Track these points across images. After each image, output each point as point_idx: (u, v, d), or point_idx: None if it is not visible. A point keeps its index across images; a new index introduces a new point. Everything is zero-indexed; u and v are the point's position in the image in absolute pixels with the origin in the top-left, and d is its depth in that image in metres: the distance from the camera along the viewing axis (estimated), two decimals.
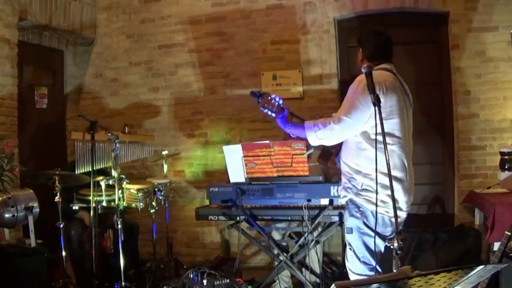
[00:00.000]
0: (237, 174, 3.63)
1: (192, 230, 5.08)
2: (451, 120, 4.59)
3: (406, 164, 2.63)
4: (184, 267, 4.23)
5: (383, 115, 2.47)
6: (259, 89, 4.89)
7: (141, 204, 3.88)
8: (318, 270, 3.80)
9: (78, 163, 3.81)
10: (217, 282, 3.32)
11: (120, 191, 3.67)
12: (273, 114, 2.77)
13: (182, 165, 5.14)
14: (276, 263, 3.67)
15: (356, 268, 2.62)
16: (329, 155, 2.86)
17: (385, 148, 2.10)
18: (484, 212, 3.64)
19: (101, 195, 3.73)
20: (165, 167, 4.42)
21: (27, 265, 3.32)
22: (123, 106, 5.32)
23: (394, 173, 2.55)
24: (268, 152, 3.43)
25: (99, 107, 5.37)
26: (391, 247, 1.99)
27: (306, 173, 3.39)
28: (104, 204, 3.76)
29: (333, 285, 1.37)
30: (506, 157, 3.88)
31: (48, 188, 3.63)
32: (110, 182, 3.68)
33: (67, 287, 3.56)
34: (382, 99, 2.47)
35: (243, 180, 3.57)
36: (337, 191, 3.24)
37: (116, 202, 3.61)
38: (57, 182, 3.58)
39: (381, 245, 2.56)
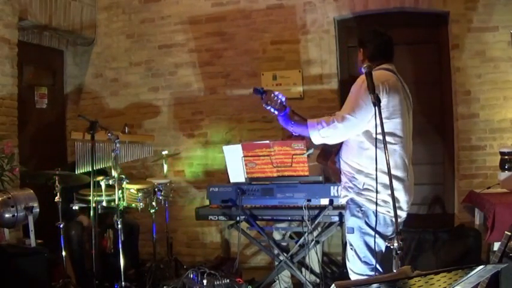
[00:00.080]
0: (237, 174, 3.63)
1: (192, 230, 5.08)
2: (451, 120, 4.59)
3: (407, 164, 2.64)
4: (184, 267, 4.23)
5: (386, 114, 2.52)
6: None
7: (141, 204, 3.88)
8: (317, 270, 3.80)
9: (78, 163, 3.81)
10: (217, 282, 3.32)
11: (120, 191, 3.68)
12: (276, 112, 2.74)
13: (182, 165, 5.14)
14: (276, 263, 3.67)
15: (357, 268, 2.62)
16: (329, 155, 2.85)
17: (385, 148, 2.10)
18: (484, 212, 3.64)
19: (101, 195, 3.73)
20: (165, 167, 4.42)
21: (27, 265, 3.32)
22: (123, 106, 5.32)
23: (395, 172, 2.56)
24: (268, 152, 3.43)
25: (99, 107, 5.37)
26: (391, 247, 1.99)
27: (306, 173, 3.39)
28: (104, 204, 3.76)
29: (333, 285, 1.37)
30: (506, 157, 3.88)
31: (48, 188, 3.63)
32: (110, 182, 3.68)
33: (67, 287, 3.57)
34: (385, 99, 2.51)
35: (243, 180, 3.57)
36: (337, 191, 3.24)
37: (116, 202, 3.61)
38: (57, 182, 3.57)
39: (382, 244, 2.56)
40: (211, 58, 5.07)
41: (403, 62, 4.35)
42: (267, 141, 3.48)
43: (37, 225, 3.63)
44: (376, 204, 2.44)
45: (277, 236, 4.03)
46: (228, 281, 3.35)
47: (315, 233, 3.57)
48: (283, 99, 2.73)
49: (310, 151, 3.29)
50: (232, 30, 5.00)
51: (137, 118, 5.23)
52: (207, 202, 3.96)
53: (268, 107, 2.72)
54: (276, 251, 3.65)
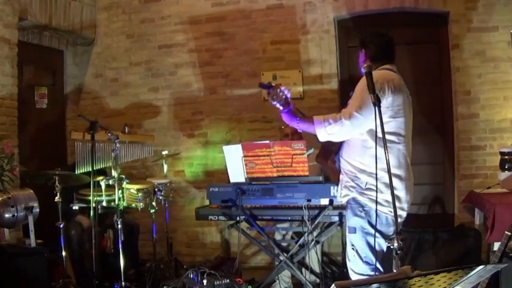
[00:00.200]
0: (237, 174, 3.63)
1: (192, 230, 5.08)
2: (451, 120, 4.59)
3: (409, 163, 2.65)
4: (184, 267, 4.23)
5: (391, 113, 2.54)
6: (259, 89, 4.89)
7: (141, 204, 3.88)
8: (317, 270, 3.81)
9: (78, 163, 3.81)
10: (217, 282, 3.32)
11: (120, 191, 3.67)
12: (281, 108, 2.72)
13: (182, 165, 5.14)
14: (276, 263, 3.67)
15: (358, 268, 2.61)
16: (329, 154, 2.84)
17: (385, 148, 2.10)
18: (484, 212, 3.64)
19: (101, 195, 3.73)
20: (165, 167, 4.42)
21: (27, 265, 3.32)
22: (123, 106, 5.32)
23: (399, 172, 2.57)
24: (268, 152, 3.43)
25: (99, 107, 5.37)
26: (391, 247, 1.99)
27: (306, 173, 3.39)
28: (104, 204, 3.76)
29: (333, 285, 1.37)
30: (506, 157, 3.88)
31: (48, 188, 3.63)
32: (110, 182, 3.68)
33: (67, 287, 3.57)
34: (390, 98, 2.52)
35: (243, 180, 3.57)
36: (337, 191, 3.24)
37: (116, 202, 3.61)
38: (57, 182, 3.57)
39: (384, 244, 2.55)
40: (211, 58, 5.07)
41: (403, 62, 4.35)
42: (267, 141, 3.48)
43: (37, 225, 3.63)
44: (376, 203, 2.44)
45: (277, 236, 4.03)
46: (228, 281, 3.35)
47: (315, 233, 3.57)
48: (289, 95, 2.72)
49: (310, 151, 3.29)
50: (232, 30, 5.00)
51: (137, 118, 5.23)
52: (207, 202, 3.95)
53: (274, 102, 2.70)
54: (276, 251, 3.65)
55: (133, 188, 3.90)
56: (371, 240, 2.55)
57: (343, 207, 3.32)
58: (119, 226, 3.53)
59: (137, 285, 3.90)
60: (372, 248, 2.56)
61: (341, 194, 2.75)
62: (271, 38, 4.90)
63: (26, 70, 4.77)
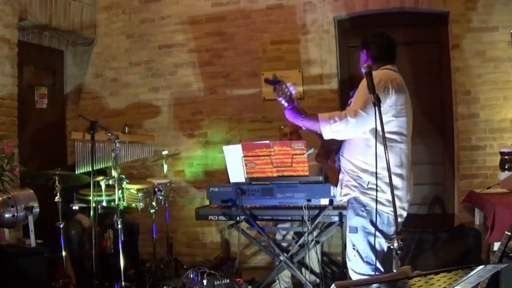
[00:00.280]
0: (237, 174, 3.63)
1: (192, 230, 5.08)
2: (451, 120, 4.59)
3: (410, 163, 2.66)
4: (184, 267, 4.23)
5: (394, 112, 2.55)
6: (259, 89, 4.90)
7: (141, 204, 3.88)
8: (317, 270, 3.81)
9: (78, 163, 3.81)
10: (217, 282, 3.32)
11: (120, 191, 3.67)
12: (285, 104, 2.70)
13: (182, 165, 5.14)
14: (276, 263, 3.67)
15: (359, 268, 2.60)
16: (329, 153, 2.83)
17: (385, 147, 2.10)
18: (484, 212, 3.64)
19: (101, 195, 3.73)
20: (165, 167, 4.42)
21: (27, 265, 3.32)
22: (123, 106, 5.32)
23: (401, 171, 2.58)
24: (268, 152, 3.43)
25: (99, 107, 5.37)
26: (391, 247, 1.99)
27: (306, 173, 3.39)
28: (104, 204, 3.76)
29: (333, 285, 1.37)
30: (506, 157, 3.88)
31: (48, 188, 3.63)
32: (110, 182, 3.68)
33: (67, 287, 3.57)
34: (393, 97, 2.53)
35: (243, 180, 3.57)
36: (337, 189, 3.23)
37: (116, 202, 3.61)
38: (57, 182, 3.57)
39: (385, 244, 2.55)
40: (211, 58, 5.07)
41: (403, 62, 4.35)
42: (267, 141, 3.48)
43: (37, 225, 3.63)
44: (376, 202, 2.45)
45: (277, 236, 4.03)
46: (228, 281, 3.35)
47: (315, 233, 3.57)
48: (294, 92, 2.69)
49: (310, 151, 3.29)
50: (232, 30, 5.00)
51: (137, 118, 5.23)
52: (207, 202, 3.95)
53: (280, 98, 2.68)
54: (276, 251, 3.65)
55: (133, 188, 3.90)
56: (373, 240, 2.54)
57: (343, 207, 3.32)
58: (119, 226, 3.53)
59: (137, 285, 3.90)
60: (373, 248, 2.56)
61: (341, 192, 2.73)
62: (271, 38, 4.90)
63: (26, 70, 4.77)
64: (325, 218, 3.42)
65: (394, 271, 1.91)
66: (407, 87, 2.73)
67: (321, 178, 3.38)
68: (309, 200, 3.41)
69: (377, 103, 2.16)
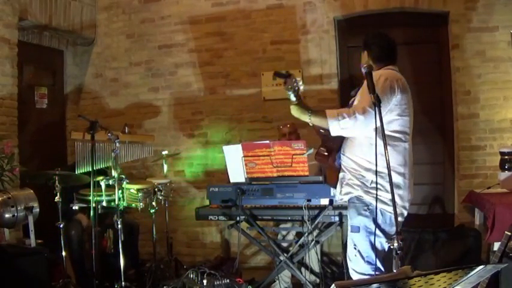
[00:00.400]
0: (237, 174, 3.63)
1: (192, 230, 5.08)
2: (451, 120, 4.59)
3: (412, 162, 2.66)
4: (184, 267, 4.23)
5: (398, 111, 2.57)
6: (259, 89, 4.90)
7: (141, 204, 3.88)
8: (317, 269, 3.81)
9: (78, 163, 3.81)
10: (217, 282, 3.33)
11: (120, 191, 3.67)
12: (294, 99, 2.64)
13: (182, 165, 5.14)
14: (277, 263, 3.67)
15: (360, 268, 2.59)
16: (330, 152, 2.81)
17: (385, 147, 2.11)
18: (484, 212, 3.64)
19: (101, 195, 3.73)
20: (165, 167, 4.42)
21: (27, 265, 3.32)
22: (123, 106, 5.32)
23: (405, 170, 2.59)
24: (268, 152, 3.43)
25: (99, 107, 5.37)
26: (391, 247, 1.99)
27: (306, 173, 3.39)
28: (104, 204, 3.76)
29: (333, 285, 1.37)
30: (506, 157, 3.88)
31: (48, 188, 3.63)
32: (110, 182, 3.68)
33: (67, 287, 3.57)
34: (398, 96, 2.55)
35: (243, 180, 3.57)
36: (337, 188, 3.23)
37: (116, 202, 3.61)
38: (57, 182, 3.57)
39: (386, 244, 2.55)
40: (211, 58, 5.07)
41: (403, 62, 4.33)
42: (267, 141, 3.48)
43: (37, 225, 3.63)
44: (377, 200, 2.45)
45: (277, 235, 4.03)
46: (228, 281, 3.36)
47: (315, 233, 3.57)
48: (302, 87, 2.66)
49: (310, 151, 3.29)
50: (232, 30, 5.00)
51: (137, 118, 5.23)
52: (207, 202, 3.95)
53: (289, 92, 2.62)
54: (276, 251, 3.65)
55: (133, 188, 3.90)
56: (375, 239, 2.54)
57: (343, 207, 3.32)
58: (119, 226, 3.53)
59: (137, 285, 3.90)
60: (375, 248, 2.55)
61: (341, 191, 2.72)
62: (271, 38, 4.90)
63: (26, 70, 4.77)
64: (325, 218, 3.42)
65: (394, 271, 1.91)
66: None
67: (320, 178, 3.38)
68: (309, 200, 3.41)
69: (377, 103, 2.16)
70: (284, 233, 4.04)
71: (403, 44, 4.44)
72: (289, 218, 3.67)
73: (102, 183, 3.72)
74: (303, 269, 3.76)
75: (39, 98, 5.00)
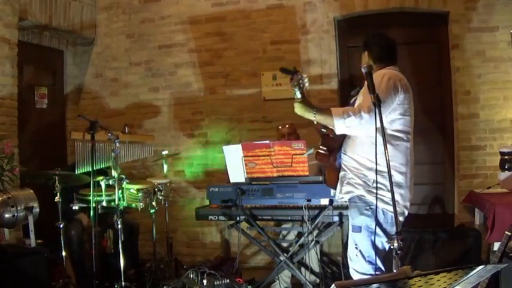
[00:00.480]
0: (237, 174, 3.63)
1: (192, 230, 5.08)
2: (451, 120, 4.59)
3: (413, 162, 2.68)
4: (184, 267, 4.23)
5: (401, 111, 2.58)
6: (259, 89, 4.90)
7: (141, 204, 3.88)
8: (317, 269, 3.80)
9: (78, 163, 3.81)
10: (217, 282, 3.33)
11: (120, 191, 3.67)
12: (299, 96, 2.60)
13: (182, 165, 5.14)
14: (277, 263, 3.67)
15: (361, 268, 2.59)
16: (331, 151, 2.80)
17: (385, 147, 2.11)
18: (484, 212, 3.64)
19: (101, 195, 3.73)
20: (165, 167, 4.42)
21: (27, 265, 3.32)
22: (123, 106, 5.32)
23: (406, 169, 2.60)
24: (268, 152, 3.43)
25: (99, 107, 5.37)
26: (391, 247, 1.99)
27: (306, 173, 3.39)
28: (104, 204, 3.76)
29: (333, 285, 1.37)
30: (506, 157, 3.88)
31: (48, 188, 3.63)
32: (110, 182, 3.68)
33: (67, 287, 3.56)
34: (401, 95, 2.56)
35: (243, 180, 3.57)
36: (337, 187, 3.22)
37: (116, 202, 3.61)
38: (57, 182, 3.57)
39: (387, 244, 2.55)
40: (211, 58, 5.07)
41: (403, 62, 4.32)
42: (267, 141, 3.48)
43: (37, 225, 3.63)
44: (377, 199, 2.44)
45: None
46: (228, 281, 3.36)
47: (315, 233, 3.57)
48: (307, 84, 2.61)
49: (310, 151, 3.29)
50: (232, 30, 5.00)
51: (137, 118, 5.23)
52: (207, 202, 3.95)
53: (296, 89, 2.58)
54: (276, 251, 3.65)
55: (133, 188, 3.90)
56: (376, 239, 2.53)
57: (343, 207, 3.32)
58: (119, 226, 3.53)
59: (137, 285, 3.90)
60: (376, 248, 2.55)
61: (342, 190, 2.71)
62: (271, 38, 4.90)
63: (26, 70, 4.77)
64: (325, 218, 3.42)
65: (394, 271, 1.91)
66: None
67: (321, 178, 3.38)
68: (309, 200, 3.41)
69: (377, 103, 2.16)
70: (284, 232, 4.04)
71: (403, 44, 4.44)
72: (289, 218, 3.67)
73: (102, 183, 3.72)
74: (302, 269, 3.75)
75: (39, 98, 5.00)
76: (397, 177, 2.56)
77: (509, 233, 2.29)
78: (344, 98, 4.15)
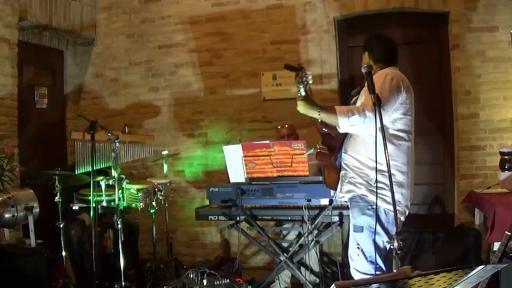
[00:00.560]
0: (237, 174, 3.63)
1: (192, 230, 5.08)
2: (451, 120, 4.59)
3: (414, 162, 2.68)
4: (184, 267, 4.23)
5: (403, 110, 2.58)
6: (259, 89, 4.90)
7: (141, 204, 3.88)
8: (316, 269, 3.80)
9: (78, 163, 3.81)
10: (217, 282, 3.33)
11: (120, 191, 3.67)
12: (303, 93, 2.58)
13: (182, 165, 5.14)
14: (277, 263, 3.67)
15: (363, 267, 2.58)
16: (332, 150, 2.79)
17: (385, 147, 2.11)
18: (484, 212, 3.64)
19: (101, 195, 3.73)
20: (165, 167, 4.42)
21: (27, 265, 3.32)
22: (123, 106, 5.32)
23: (407, 169, 2.60)
24: (268, 152, 3.43)
25: (99, 107, 5.37)
26: (391, 247, 1.99)
27: (306, 173, 3.39)
28: (104, 204, 3.76)
29: (333, 285, 1.37)
30: (506, 157, 3.88)
31: (48, 188, 3.63)
32: (110, 182, 3.68)
33: (67, 287, 3.57)
34: (404, 95, 2.57)
35: (243, 180, 3.57)
36: (338, 186, 3.22)
37: (116, 202, 3.61)
38: (57, 182, 3.57)
39: (388, 244, 2.55)
40: (211, 58, 5.07)
41: (403, 62, 4.32)
42: (267, 141, 3.48)
43: (37, 225, 3.63)
44: (377, 197, 2.44)
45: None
46: (228, 281, 3.36)
47: (315, 233, 3.57)
48: (310, 82, 2.60)
49: (310, 151, 3.29)
50: (232, 30, 5.00)
51: (137, 118, 5.23)
52: (207, 202, 3.96)
53: (300, 86, 2.57)
54: (276, 251, 3.65)
55: (134, 188, 3.90)
56: (377, 239, 2.53)
57: (342, 207, 3.32)
58: (119, 226, 3.53)
59: (137, 285, 3.90)
60: (378, 247, 2.54)
61: (342, 189, 2.71)
62: (271, 38, 4.90)
63: (26, 70, 4.76)
64: (325, 218, 3.42)
65: (394, 271, 1.91)
66: None
67: (321, 178, 3.38)
68: (309, 200, 3.41)
69: (377, 103, 2.16)
70: (285, 232, 4.04)
71: (403, 44, 4.44)
72: (289, 218, 3.67)
73: (102, 183, 3.72)
74: (302, 269, 3.75)
75: (39, 98, 5.00)
76: (399, 177, 2.57)
77: (509, 233, 2.29)
78: (344, 98, 4.15)
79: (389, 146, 2.51)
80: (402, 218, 2.64)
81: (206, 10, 5.06)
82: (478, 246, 3.85)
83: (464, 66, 4.43)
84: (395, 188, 2.47)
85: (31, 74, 4.92)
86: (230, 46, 5.01)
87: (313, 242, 3.52)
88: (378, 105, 2.16)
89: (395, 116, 2.58)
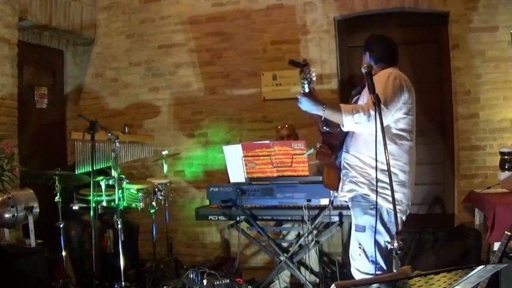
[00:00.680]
0: (237, 174, 3.63)
1: (192, 230, 5.08)
2: (451, 120, 4.59)
3: (415, 162, 2.69)
4: (184, 267, 4.22)
5: (405, 110, 2.59)
6: (259, 89, 4.90)
7: (141, 204, 3.88)
8: (316, 269, 3.80)
9: (78, 163, 3.81)
10: (217, 282, 3.33)
11: (120, 191, 3.67)
12: (307, 90, 2.52)
13: (182, 165, 5.14)
14: (277, 263, 3.67)
15: (364, 267, 2.58)
16: (333, 150, 2.79)
17: (385, 147, 2.10)
18: (484, 212, 3.64)
19: (101, 195, 3.73)
20: (165, 167, 4.42)
21: (27, 265, 3.32)
22: (123, 106, 5.32)
23: (409, 168, 2.61)
24: (268, 152, 3.43)
25: (99, 107, 5.36)
26: (391, 247, 1.99)
27: (306, 173, 3.39)
28: (104, 204, 3.76)
29: (333, 285, 1.37)
30: (506, 157, 3.88)
31: (48, 188, 3.63)
32: (110, 182, 3.68)
33: (67, 287, 3.57)
34: (406, 95, 2.58)
35: (243, 180, 3.57)
36: (340, 190, 3.22)
37: (116, 202, 3.61)
38: (57, 182, 3.57)
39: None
40: (211, 58, 5.07)
41: (403, 62, 4.30)
42: (267, 141, 3.48)
43: (37, 225, 3.63)
44: (377, 195, 2.42)
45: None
46: (228, 281, 3.36)
47: (315, 233, 3.57)
48: (314, 78, 2.53)
49: (310, 151, 3.29)
50: (232, 30, 5.00)
51: (137, 118, 5.22)
52: (207, 202, 3.96)
53: (305, 82, 2.51)
54: (276, 251, 3.65)
55: (133, 188, 3.90)
56: (379, 239, 2.53)
57: (342, 207, 3.32)
58: (119, 226, 3.53)
59: (137, 285, 3.90)
60: (379, 247, 2.54)
61: (343, 188, 2.70)
62: (271, 38, 4.90)
63: (26, 70, 4.77)
64: (325, 218, 3.42)
65: (394, 271, 1.91)
66: None
67: (321, 178, 3.37)
68: (309, 200, 3.41)
69: (377, 103, 2.16)
70: (284, 232, 4.04)
71: (403, 44, 4.43)
72: (289, 218, 3.67)
73: (102, 183, 3.72)
74: (302, 269, 3.75)
75: (39, 98, 5.00)
76: (402, 176, 2.58)
77: (509, 233, 2.29)
78: (344, 98, 4.14)
79: (392, 146, 2.53)
80: (403, 218, 2.65)
81: (206, 10, 5.06)
82: (478, 246, 3.85)
83: (464, 66, 4.43)
84: (397, 187, 2.48)
85: (31, 74, 4.92)
86: (230, 46, 5.00)
87: (313, 242, 3.52)
88: (378, 104, 2.16)
89: (398, 116, 2.59)
